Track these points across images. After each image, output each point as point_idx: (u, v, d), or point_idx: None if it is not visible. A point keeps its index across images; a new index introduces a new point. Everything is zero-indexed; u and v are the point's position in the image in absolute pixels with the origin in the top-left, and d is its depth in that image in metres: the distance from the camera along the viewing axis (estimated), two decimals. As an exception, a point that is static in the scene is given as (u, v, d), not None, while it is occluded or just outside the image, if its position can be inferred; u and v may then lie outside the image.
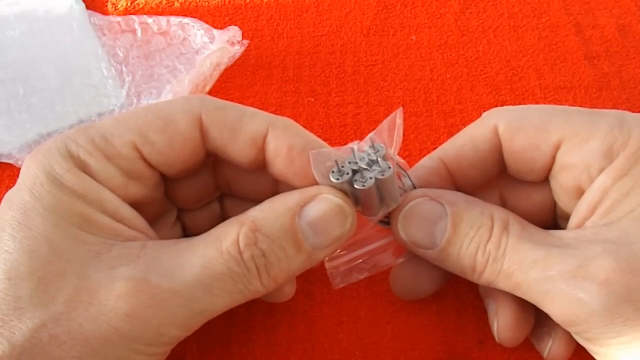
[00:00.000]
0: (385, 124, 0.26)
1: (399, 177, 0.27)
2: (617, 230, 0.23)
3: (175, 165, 0.25)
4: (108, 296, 0.21)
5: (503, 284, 0.25)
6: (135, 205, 0.25)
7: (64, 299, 0.21)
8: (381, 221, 0.27)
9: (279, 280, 0.24)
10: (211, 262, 0.23)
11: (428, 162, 0.28)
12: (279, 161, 0.25)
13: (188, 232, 0.29)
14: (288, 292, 0.28)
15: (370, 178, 0.24)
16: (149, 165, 0.25)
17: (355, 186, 0.24)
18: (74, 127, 0.38)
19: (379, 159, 0.24)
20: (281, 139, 0.25)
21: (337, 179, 0.24)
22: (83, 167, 0.24)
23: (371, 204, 0.25)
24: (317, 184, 0.25)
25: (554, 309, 0.24)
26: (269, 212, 0.24)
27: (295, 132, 0.25)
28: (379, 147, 0.24)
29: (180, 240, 0.24)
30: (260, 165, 0.26)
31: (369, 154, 0.24)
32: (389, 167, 0.24)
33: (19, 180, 0.24)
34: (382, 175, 0.24)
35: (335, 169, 0.24)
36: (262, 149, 0.25)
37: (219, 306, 0.23)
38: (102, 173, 0.24)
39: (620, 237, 0.23)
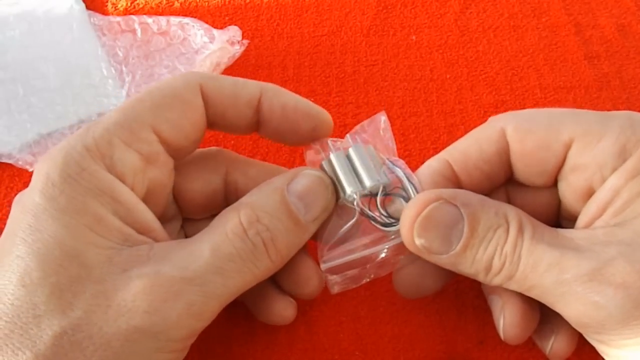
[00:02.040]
0: (365, 126, 0.29)
1: (402, 186, 0.27)
2: (630, 231, 0.23)
3: (189, 139, 0.26)
4: (125, 296, 0.22)
5: (516, 286, 0.25)
6: (150, 193, 0.25)
7: (81, 304, 0.21)
8: (383, 224, 0.27)
9: (284, 255, 0.25)
10: (219, 245, 0.23)
11: (433, 163, 0.28)
12: (274, 119, 0.27)
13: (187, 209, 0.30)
14: (290, 315, 0.29)
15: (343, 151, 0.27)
16: (167, 146, 0.26)
17: (331, 156, 0.27)
18: (74, 127, 0.38)
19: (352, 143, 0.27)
20: (274, 99, 0.27)
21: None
22: (103, 159, 0.24)
23: (346, 177, 0.27)
24: (306, 138, 0.28)
25: (569, 311, 0.24)
26: (260, 194, 0.26)
27: (284, 92, 0.28)
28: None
29: (182, 240, 0.25)
30: (254, 128, 0.28)
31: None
32: (360, 145, 0.27)
33: (31, 183, 0.23)
34: (352, 147, 0.27)
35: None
36: (256, 111, 0.27)
37: (232, 288, 0.24)
38: (122, 161, 0.24)
39: (634, 239, 0.23)
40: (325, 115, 0.28)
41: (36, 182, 0.23)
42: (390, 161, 0.28)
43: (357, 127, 0.29)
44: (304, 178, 0.26)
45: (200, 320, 0.23)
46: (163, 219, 0.27)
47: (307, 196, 0.26)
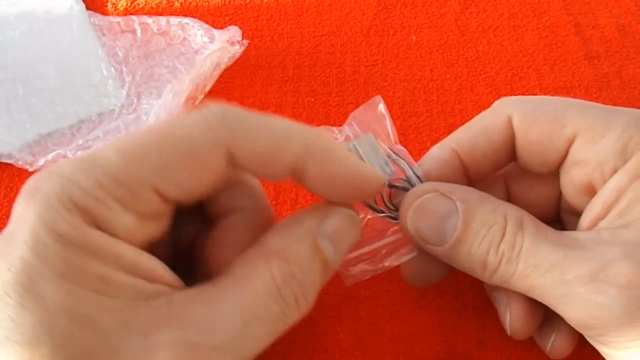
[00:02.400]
0: (362, 112, 0.28)
1: (407, 178, 0.27)
2: (635, 231, 0.23)
3: (202, 196, 0.23)
4: None
5: (517, 286, 0.24)
6: (148, 242, 0.23)
7: None
8: (389, 217, 0.27)
9: (313, 302, 0.24)
10: (249, 308, 0.21)
11: (440, 152, 0.28)
12: (318, 185, 0.24)
13: (178, 246, 0.27)
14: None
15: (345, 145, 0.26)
16: (169, 203, 0.22)
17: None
18: (74, 127, 0.39)
19: (358, 134, 0.27)
20: (320, 167, 0.23)
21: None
22: (94, 220, 0.20)
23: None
24: (355, 200, 0.25)
25: (571, 312, 0.23)
26: (290, 237, 0.23)
27: (334, 156, 0.23)
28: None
29: (205, 288, 0.22)
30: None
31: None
32: (363, 138, 0.26)
33: (14, 230, 0.20)
34: (354, 142, 0.26)
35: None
36: (294, 170, 0.23)
37: (259, 349, 0.22)
38: (117, 223, 0.21)
39: (639, 239, 0.23)
40: (377, 185, 0.24)
41: (22, 234, 0.20)
42: (393, 151, 0.27)
43: (355, 113, 0.28)
44: (336, 218, 0.24)
45: None
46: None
47: (337, 236, 0.24)
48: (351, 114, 0.28)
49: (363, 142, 0.27)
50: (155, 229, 0.23)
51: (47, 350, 0.19)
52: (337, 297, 0.32)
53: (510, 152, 0.27)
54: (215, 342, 0.21)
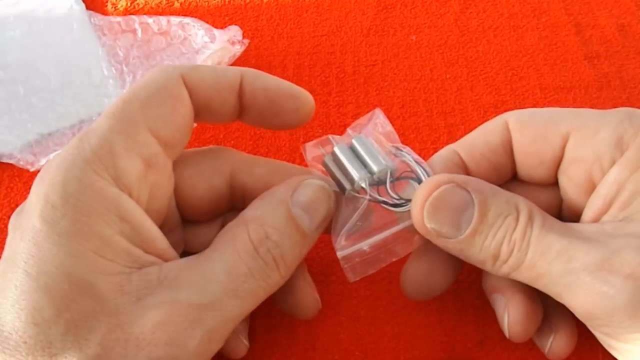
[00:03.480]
0: (363, 123, 0.29)
1: (412, 170, 0.27)
2: (639, 223, 0.23)
3: (182, 132, 0.26)
4: (143, 329, 0.21)
5: (524, 275, 0.24)
6: (152, 201, 0.24)
7: (98, 340, 0.21)
8: (392, 205, 0.27)
9: (292, 267, 0.25)
10: (232, 265, 0.23)
11: (443, 152, 0.29)
12: (257, 102, 0.27)
13: (187, 251, 0.29)
14: (315, 307, 0.29)
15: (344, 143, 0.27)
16: (164, 145, 0.25)
17: (335, 149, 0.27)
18: (74, 127, 0.39)
19: (354, 135, 0.27)
20: (255, 82, 0.27)
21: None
22: (106, 170, 0.22)
23: (353, 167, 0.27)
24: (290, 120, 0.28)
25: (576, 301, 0.23)
26: (264, 207, 0.25)
27: (265, 75, 0.27)
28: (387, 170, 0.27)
29: (189, 258, 0.24)
30: (237, 115, 0.28)
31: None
32: (362, 136, 0.27)
33: (28, 205, 0.22)
34: (354, 138, 0.27)
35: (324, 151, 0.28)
36: (239, 96, 0.27)
37: (246, 309, 0.24)
38: (127, 169, 0.23)
39: None
40: (307, 96, 0.28)
41: (34, 204, 0.22)
42: (396, 147, 0.28)
43: (356, 122, 0.29)
44: (307, 188, 0.26)
45: (218, 343, 0.23)
46: (165, 227, 0.26)
47: (311, 206, 0.26)
48: (352, 124, 0.29)
49: (363, 139, 0.27)
50: (159, 178, 0.25)
51: (50, 313, 0.20)
52: (337, 297, 0.32)
53: (509, 157, 0.28)
54: (203, 300, 0.22)
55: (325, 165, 0.27)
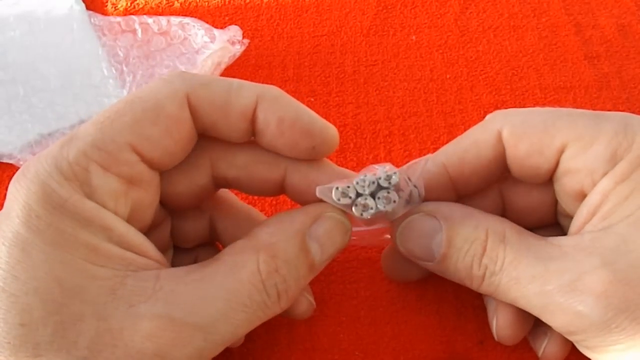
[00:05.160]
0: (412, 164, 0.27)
1: (405, 188, 0.27)
2: (615, 235, 0.23)
3: (175, 155, 0.24)
4: (133, 337, 0.21)
5: (502, 297, 0.25)
6: (135, 213, 0.24)
7: (86, 343, 0.20)
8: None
9: (294, 299, 0.25)
10: (233, 294, 0.22)
11: (432, 168, 0.28)
12: (269, 133, 0.24)
13: (177, 244, 0.29)
14: (309, 309, 0.29)
15: (371, 209, 0.24)
16: (150, 165, 0.24)
17: (354, 212, 0.24)
18: (74, 127, 0.38)
19: (390, 188, 0.25)
20: (270, 110, 0.24)
21: (339, 199, 0.24)
22: (81, 187, 0.22)
23: (371, 222, 0.26)
24: (305, 155, 0.25)
25: (554, 321, 0.24)
26: (280, 235, 0.24)
27: (284, 102, 0.24)
28: (392, 175, 0.25)
29: (192, 269, 0.23)
30: (250, 136, 0.25)
31: (379, 179, 0.25)
32: (394, 201, 0.25)
33: (8, 209, 0.21)
34: (384, 207, 0.24)
35: (338, 188, 0.24)
36: (251, 121, 0.24)
37: (238, 335, 0.23)
38: (101, 188, 0.22)
39: (619, 245, 0.23)
40: (327, 134, 0.25)
41: (15, 210, 0.21)
42: (408, 177, 0.26)
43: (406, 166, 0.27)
44: (328, 222, 0.25)
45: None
46: (151, 226, 0.26)
47: (326, 240, 0.25)
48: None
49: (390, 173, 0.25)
50: (142, 194, 0.24)
51: (38, 315, 0.20)
52: (337, 297, 0.32)
53: (501, 166, 0.27)
54: (198, 322, 0.22)
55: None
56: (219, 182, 0.27)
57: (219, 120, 0.24)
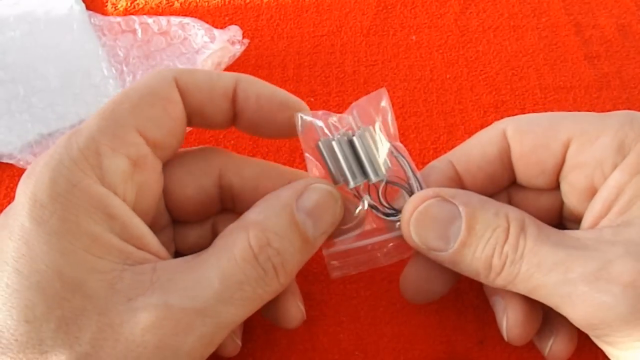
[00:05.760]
0: (365, 102, 0.27)
1: (406, 178, 0.27)
2: (638, 228, 0.23)
3: (174, 135, 0.26)
4: (133, 330, 0.21)
5: (520, 287, 0.24)
6: (140, 200, 0.24)
7: (88, 338, 0.20)
8: (383, 213, 0.27)
9: (293, 275, 0.25)
10: (227, 272, 0.22)
11: (437, 163, 0.28)
12: (249, 109, 0.26)
13: (179, 251, 0.29)
14: (299, 320, 0.28)
15: (344, 135, 0.26)
16: (153, 146, 0.25)
17: (333, 143, 0.26)
18: (75, 127, 0.39)
19: (359, 126, 0.26)
20: (249, 89, 0.26)
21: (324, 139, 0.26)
22: (92, 170, 0.22)
23: (350, 167, 0.26)
24: (283, 130, 0.27)
25: (575, 312, 0.23)
26: (267, 212, 0.24)
27: (260, 83, 0.27)
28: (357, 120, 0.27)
29: (187, 258, 0.24)
30: (232, 122, 0.27)
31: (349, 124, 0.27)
32: (365, 131, 0.26)
33: (16, 204, 0.22)
34: (356, 134, 0.26)
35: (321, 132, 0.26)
36: (233, 102, 0.26)
37: (242, 315, 0.23)
38: (112, 168, 0.23)
39: None
40: (302, 106, 0.27)
41: (22, 203, 0.22)
42: (394, 147, 0.27)
43: (357, 102, 0.27)
44: (314, 193, 0.25)
45: (211, 347, 0.23)
46: (155, 227, 0.26)
47: (316, 212, 0.25)
48: (353, 103, 0.27)
49: (365, 134, 0.26)
50: (146, 178, 0.24)
51: (40, 311, 0.20)
52: (337, 297, 0.32)
53: (506, 166, 0.27)
54: (196, 306, 0.22)
55: (318, 148, 0.26)
56: (225, 193, 0.28)
57: (204, 100, 0.26)
